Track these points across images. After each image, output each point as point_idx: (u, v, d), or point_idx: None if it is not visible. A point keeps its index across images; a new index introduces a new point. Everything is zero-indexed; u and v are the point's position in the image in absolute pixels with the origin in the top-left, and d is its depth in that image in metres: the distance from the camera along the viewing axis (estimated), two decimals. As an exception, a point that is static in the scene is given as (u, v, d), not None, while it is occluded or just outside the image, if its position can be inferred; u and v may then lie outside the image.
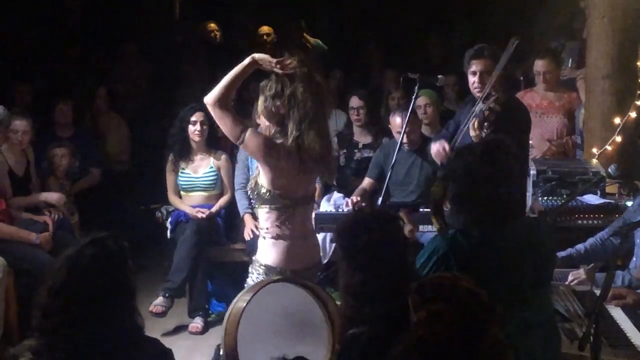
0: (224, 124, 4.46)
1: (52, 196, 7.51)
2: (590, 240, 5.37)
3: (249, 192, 4.78)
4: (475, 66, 5.81)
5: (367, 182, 7.46)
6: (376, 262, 3.46)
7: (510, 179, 3.84)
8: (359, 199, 6.99)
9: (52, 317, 3.18)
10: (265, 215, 4.58)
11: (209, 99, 4.44)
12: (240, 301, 3.95)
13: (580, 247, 5.33)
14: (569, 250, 5.33)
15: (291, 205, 4.55)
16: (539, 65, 7.74)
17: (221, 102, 4.42)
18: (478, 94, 5.75)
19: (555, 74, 7.82)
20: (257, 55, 4.51)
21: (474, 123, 5.59)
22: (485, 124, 5.54)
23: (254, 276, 4.57)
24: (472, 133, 5.58)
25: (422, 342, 2.65)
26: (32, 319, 3.30)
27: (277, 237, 4.55)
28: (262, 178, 4.52)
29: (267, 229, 4.58)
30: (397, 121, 7.19)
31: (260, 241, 4.68)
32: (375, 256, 3.46)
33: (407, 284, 2.93)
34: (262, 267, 4.55)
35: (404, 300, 2.81)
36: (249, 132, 4.42)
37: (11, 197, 7.24)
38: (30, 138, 7.63)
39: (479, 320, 2.64)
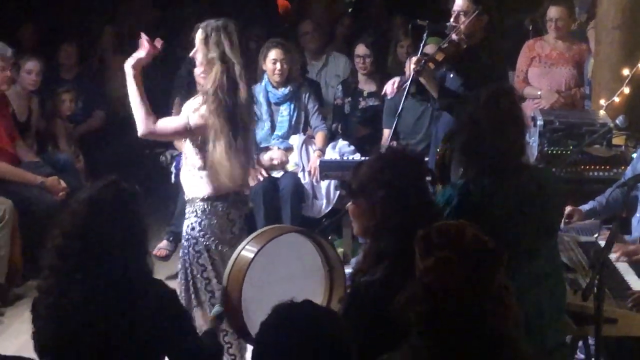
0: (171, 135, 4.85)
1: (54, 185, 7.01)
2: (610, 191, 5.33)
3: None
4: (455, 6, 5.78)
5: (387, 132, 7.36)
6: (397, 199, 3.37)
7: (515, 125, 3.82)
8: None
9: (68, 258, 3.20)
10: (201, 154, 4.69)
11: (142, 132, 4.70)
12: (246, 251, 3.93)
13: (601, 198, 5.28)
14: (591, 203, 5.29)
15: None
16: (553, 11, 7.67)
17: (149, 125, 4.65)
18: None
19: (568, 22, 7.75)
20: (129, 62, 4.80)
21: (415, 58, 5.65)
22: (423, 62, 5.55)
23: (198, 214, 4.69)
24: (410, 67, 5.65)
25: (429, 290, 2.66)
26: (43, 259, 3.31)
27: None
28: None
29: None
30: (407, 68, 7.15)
31: (190, 179, 4.78)
32: (396, 193, 3.37)
33: (429, 221, 2.91)
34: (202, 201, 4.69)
35: None
36: (190, 114, 4.63)
37: (18, 139, 7.21)
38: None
39: (486, 267, 2.64)
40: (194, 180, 4.75)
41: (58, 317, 3.22)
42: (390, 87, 6.01)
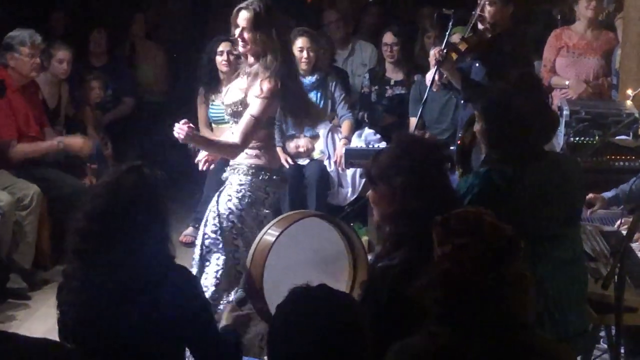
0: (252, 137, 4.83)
1: (75, 141, 7.05)
2: (634, 180, 5.32)
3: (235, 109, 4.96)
4: None
5: (413, 120, 7.38)
6: (416, 186, 3.39)
7: (539, 112, 3.83)
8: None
9: (89, 241, 3.24)
10: None
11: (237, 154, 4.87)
12: (268, 235, 3.96)
13: (625, 186, 5.27)
14: (614, 191, 5.29)
15: None
16: None
17: (236, 150, 4.82)
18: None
19: (598, 11, 7.67)
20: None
21: (437, 49, 5.63)
22: (445, 52, 5.54)
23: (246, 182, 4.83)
24: (433, 57, 5.65)
25: (446, 275, 2.68)
26: (67, 242, 3.37)
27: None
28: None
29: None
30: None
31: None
32: (416, 180, 3.39)
33: (448, 208, 2.94)
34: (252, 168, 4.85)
35: None
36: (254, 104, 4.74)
37: (47, 126, 7.29)
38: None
39: (503, 254, 2.66)
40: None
41: (81, 301, 3.25)
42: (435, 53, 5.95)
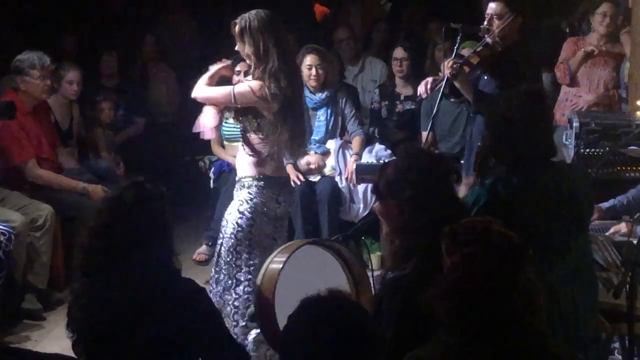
0: (217, 98, 5.17)
1: (97, 192, 6.94)
2: (633, 191, 5.35)
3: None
4: (489, 9, 5.78)
5: (424, 135, 7.34)
6: (423, 198, 3.43)
7: (547, 125, 3.86)
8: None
9: (94, 258, 3.26)
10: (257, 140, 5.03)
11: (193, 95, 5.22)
12: (274, 263, 3.99)
13: (622, 198, 5.31)
14: (612, 201, 5.32)
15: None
16: (605, 6, 7.57)
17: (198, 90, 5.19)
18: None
19: (615, 21, 7.68)
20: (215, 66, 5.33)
21: (447, 62, 5.65)
22: (459, 66, 5.56)
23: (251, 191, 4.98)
24: (445, 71, 5.65)
25: (456, 285, 2.70)
26: (75, 261, 3.39)
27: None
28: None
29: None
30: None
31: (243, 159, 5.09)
32: (423, 192, 3.42)
33: (456, 219, 2.96)
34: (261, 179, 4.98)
35: None
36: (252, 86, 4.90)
37: (60, 147, 7.34)
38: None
39: (512, 262, 2.68)
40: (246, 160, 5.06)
41: (91, 317, 3.28)
42: (423, 88, 6.00)
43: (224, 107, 6.76)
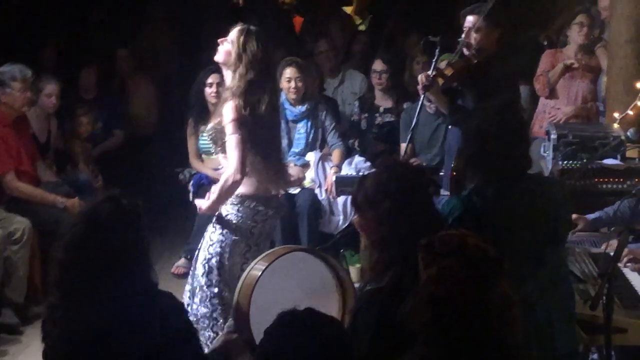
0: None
1: (74, 207, 6.90)
2: (619, 204, 5.35)
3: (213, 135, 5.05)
4: (467, 22, 5.80)
5: (404, 147, 7.35)
6: (402, 210, 3.42)
7: (520, 137, 3.87)
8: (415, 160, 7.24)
9: (69, 272, 3.24)
10: None
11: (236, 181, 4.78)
12: (254, 269, 3.98)
13: (609, 209, 5.30)
14: (599, 213, 5.32)
15: None
16: (582, 17, 7.67)
17: (235, 178, 4.75)
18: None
19: (589, 34, 7.73)
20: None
21: (424, 75, 5.66)
22: (432, 77, 5.57)
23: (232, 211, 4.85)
24: (420, 82, 5.66)
25: (432, 298, 2.70)
26: (50, 275, 3.37)
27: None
28: None
29: None
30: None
31: None
32: (402, 204, 3.42)
33: (434, 231, 2.96)
34: (237, 197, 4.84)
35: None
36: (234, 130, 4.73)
37: (39, 160, 7.31)
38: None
39: (488, 275, 2.69)
40: None
41: (66, 332, 3.24)
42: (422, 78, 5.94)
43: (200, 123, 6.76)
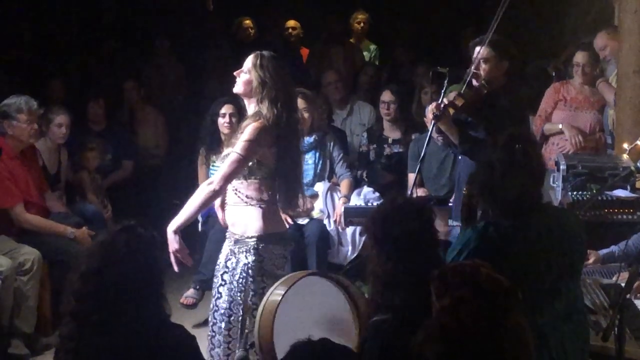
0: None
1: (85, 239, 6.96)
2: (634, 238, 5.34)
3: None
4: (475, 53, 5.81)
5: (412, 177, 7.37)
6: (408, 251, 3.53)
7: (532, 169, 3.87)
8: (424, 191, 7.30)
9: (84, 301, 3.24)
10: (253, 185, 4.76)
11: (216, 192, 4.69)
12: (273, 295, 4.00)
13: (622, 244, 5.30)
14: (612, 248, 5.32)
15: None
16: (579, 57, 7.69)
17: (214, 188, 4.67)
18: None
19: (594, 67, 7.76)
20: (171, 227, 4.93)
21: (434, 104, 5.65)
22: (443, 107, 5.57)
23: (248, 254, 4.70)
24: (429, 114, 5.65)
25: (446, 329, 2.69)
26: (63, 305, 3.37)
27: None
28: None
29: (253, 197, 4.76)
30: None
31: (240, 215, 4.80)
32: (407, 246, 3.52)
33: (436, 266, 2.99)
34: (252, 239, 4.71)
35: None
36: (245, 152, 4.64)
37: (48, 191, 7.33)
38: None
39: (501, 306, 2.67)
40: (247, 215, 4.80)
41: None
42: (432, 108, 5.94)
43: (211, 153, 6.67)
